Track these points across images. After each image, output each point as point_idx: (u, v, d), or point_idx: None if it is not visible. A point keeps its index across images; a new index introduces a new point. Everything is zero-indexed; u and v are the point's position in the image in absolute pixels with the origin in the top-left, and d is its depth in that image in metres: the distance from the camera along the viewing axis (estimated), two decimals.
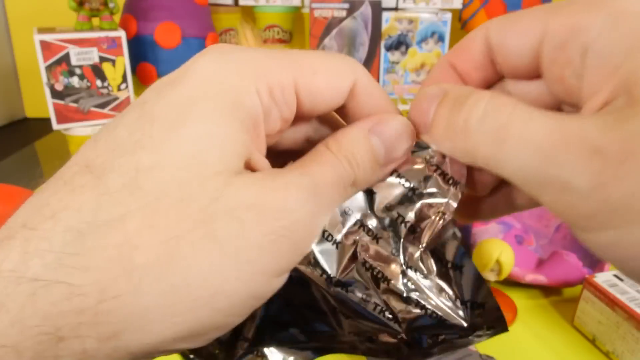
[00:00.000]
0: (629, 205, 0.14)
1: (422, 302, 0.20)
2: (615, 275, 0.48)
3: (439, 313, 0.20)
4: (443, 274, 0.21)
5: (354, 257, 0.20)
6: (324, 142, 0.18)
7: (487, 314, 0.20)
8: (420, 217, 0.20)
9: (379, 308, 0.20)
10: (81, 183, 0.13)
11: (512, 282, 0.54)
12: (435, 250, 0.21)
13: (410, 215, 0.20)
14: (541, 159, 0.14)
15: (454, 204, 0.20)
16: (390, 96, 0.84)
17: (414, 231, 0.20)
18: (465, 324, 0.20)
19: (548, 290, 0.55)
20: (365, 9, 0.83)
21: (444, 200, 0.20)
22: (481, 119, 0.16)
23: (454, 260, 0.21)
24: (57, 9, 0.99)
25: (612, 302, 0.45)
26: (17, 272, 0.12)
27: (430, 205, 0.20)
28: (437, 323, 0.20)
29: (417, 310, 0.20)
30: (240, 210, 0.14)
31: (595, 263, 0.54)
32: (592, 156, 0.14)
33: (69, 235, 0.13)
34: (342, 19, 0.83)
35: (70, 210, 0.13)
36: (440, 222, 0.20)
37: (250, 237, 0.14)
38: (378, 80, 0.89)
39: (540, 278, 0.52)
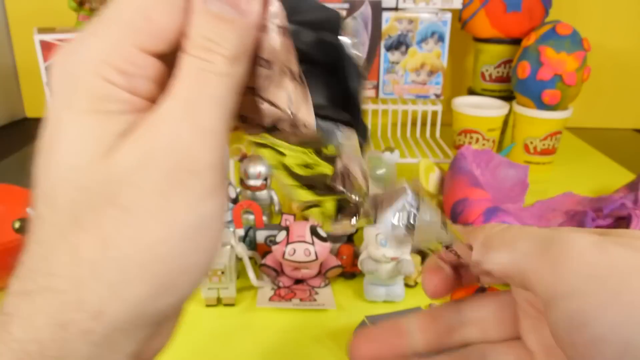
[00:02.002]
0: None
1: None
2: None
3: None
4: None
5: None
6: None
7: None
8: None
9: None
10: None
11: None
12: None
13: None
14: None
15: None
16: (389, 96, 0.83)
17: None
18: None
19: None
20: (365, 9, 0.83)
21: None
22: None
23: None
24: (57, 9, 0.99)
25: None
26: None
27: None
28: None
29: None
30: (132, 177, 0.16)
31: None
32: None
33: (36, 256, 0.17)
34: None
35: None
36: None
37: (151, 196, 0.16)
38: (378, 80, 0.89)
39: None
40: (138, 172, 0.16)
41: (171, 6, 0.16)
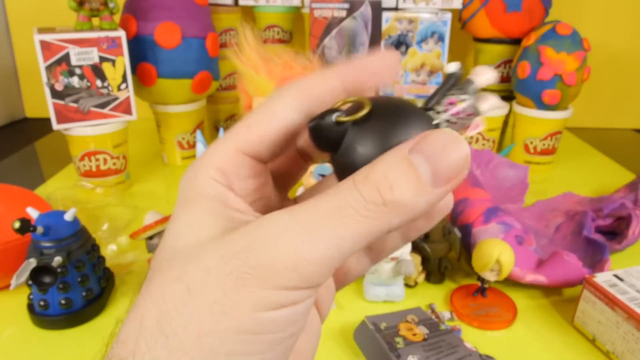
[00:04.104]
0: None
1: None
2: (615, 275, 0.48)
3: None
4: None
5: None
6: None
7: None
8: None
9: None
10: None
11: (512, 282, 0.54)
12: None
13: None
14: None
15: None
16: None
17: None
18: None
19: (548, 290, 0.55)
20: (365, 9, 0.83)
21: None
22: None
23: None
24: (57, 9, 0.99)
25: (612, 302, 0.45)
26: None
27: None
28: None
29: None
30: (206, 260, 0.16)
31: (595, 263, 0.54)
32: None
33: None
34: (342, 19, 0.83)
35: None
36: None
37: (215, 288, 0.16)
38: None
39: (540, 278, 0.52)
40: (218, 262, 0.16)
41: (269, 118, 0.19)
